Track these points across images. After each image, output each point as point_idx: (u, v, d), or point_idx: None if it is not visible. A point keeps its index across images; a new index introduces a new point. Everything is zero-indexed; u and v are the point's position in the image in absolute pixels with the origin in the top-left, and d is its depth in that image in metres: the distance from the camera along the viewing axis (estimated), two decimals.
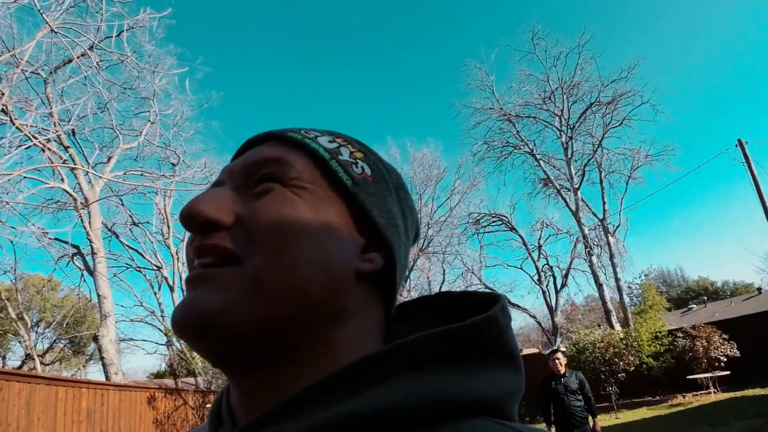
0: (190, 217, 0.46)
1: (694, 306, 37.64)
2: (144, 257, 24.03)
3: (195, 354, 20.88)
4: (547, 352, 6.36)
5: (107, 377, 14.53)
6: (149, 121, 18.21)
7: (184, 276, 23.43)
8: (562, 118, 23.27)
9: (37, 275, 27.60)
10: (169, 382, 27.76)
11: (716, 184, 76.56)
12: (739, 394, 13.73)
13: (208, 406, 16.51)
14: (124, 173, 17.38)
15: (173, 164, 20.62)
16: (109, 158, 17.56)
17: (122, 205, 21.99)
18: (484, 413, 0.43)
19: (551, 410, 6.13)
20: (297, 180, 0.49)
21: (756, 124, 61.58)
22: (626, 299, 21.00)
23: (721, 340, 15.32)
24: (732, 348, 15.10)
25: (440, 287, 23.85)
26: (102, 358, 15.11)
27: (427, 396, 0.41)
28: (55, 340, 27.94)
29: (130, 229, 22.34)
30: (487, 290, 0.56)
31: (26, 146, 12.41)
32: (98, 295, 15.99)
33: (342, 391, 0.42)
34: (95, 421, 10.12)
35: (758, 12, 55.54)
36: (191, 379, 25.71)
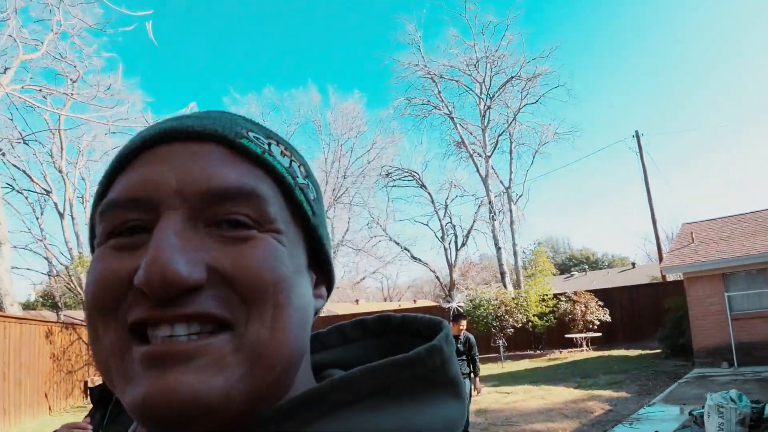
0: (165, 285, 0.36)
1: (576, 273, 41.34)
2: (32, 179, 22.17)
3: None
4: (453, 315, 6.90)
5: (1, 308, 13.66)
6: (52, 30, 16.54)
7: (74, 203, 22.02)
8: (483, 86, 24.09)
9: None
10: (47, 314, 26.33)
11: (612, 167, 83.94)
12: (606, 353, 15.61)
13: None
14: (22, 87, 15.77)
15: (72, 80, 18.80)
16: (6, 69, 15.75)
17: (11, 120, 19.99)
18: None
19: None
20: (275, 224, 0.42)
21: (654, 117, 67.83)
22: (520, 262, 22.76)
23: (597, 306, 17.24)
24: (605, 314, 17.06)
25: (344, 236, 24.19)
26: None
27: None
28: None
29: (12, 146, 20.32)
30: (426, 315, 0.52)
31: None
32: None
33: (276, 426, 0.39)
34: None
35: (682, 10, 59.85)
36: (73, 312, 24.56)
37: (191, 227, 0.39)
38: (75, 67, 18.21)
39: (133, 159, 0.43)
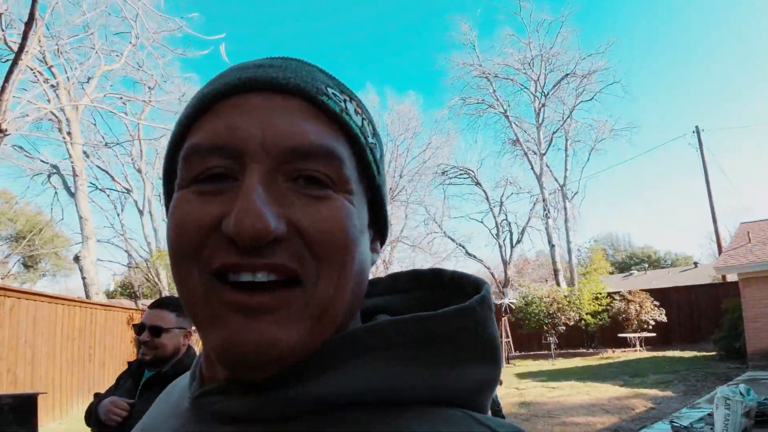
0: (256, 235, 0.38)
1: (635, 271, 40.22)
2: (113, 179, 24.06)
3: (163, 279, 21.43)
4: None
5: (87, 296, 15.06)
6: (130, 42, 17.96)
7: (152, 201, 23.78)
8: (538, 84, 24.09)
9: None
10: (126, 302, 28.34)
11: (672, 163, 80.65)
12: (660, 354, 15.52)
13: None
14: (104, 95, 17.28)
15: (149, 88, 20.33)
16: (89, 78, 17.20)
17: (95, 125, 21.83)
18: (452, 404, 0.43)
19: None
20: (349, 185, 0.43)
21: (715, 113, 64.81)
22: (574, 261, 22.76)
23: (652, 306, 17.10)
24: (661, 314, 16.89)
25: (401, 232, 24.81)
26: (84, 278, 15.65)
27: (391, 383, 0.41)
28: (7, 255, 27.63)
29: (95, 149, 22.16)
30: (473, 274, 0.53)
31: (7, 60, 12.33)
32: (80, 217, 16.28)
33: (311, 372, 0.41)
34: (85, 338, 10.86)
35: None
36: (150, 302, 26.33)
37: (273, 181, 0.40)
38: (152, 75, 19.69)
39: (215, 104, 0.43)
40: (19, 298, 8.15)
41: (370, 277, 0.51)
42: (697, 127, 21.78)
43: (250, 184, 0.39)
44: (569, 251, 22.65)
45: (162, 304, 2.31)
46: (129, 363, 2.39)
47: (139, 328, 2.24)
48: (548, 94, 23.95)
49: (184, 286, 0.42)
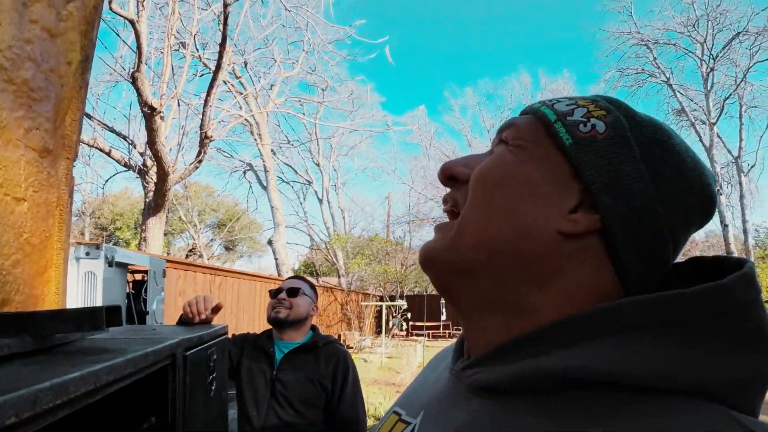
0: (441, 172, 0.54)
1: None
2: (296, 172, 27.19)
3: (340, 259, 23.91)
4: None
5: (279, 274, 17.42)
6: (303, 50, 20.20)
7: (329, 190, 26.57)
8: (705, 47, 21.76)
9: (196, 183, 31.00)
10: (309, 279, 31.13)
11: None
12: None
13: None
14: (285, 100, 19.77)
15: (322, 90, 22.25)
16: (272, 86, 19.34)
17: (278, 126, 24.91)
18: (707, 398, 0.38)
19: None
20: (518, 140, 0.51)
21: None
22: (751, 242, 20.48)
23: None
24: None
25: None
26: (276, 259, 18.44)
27: (622, 364, 0.39)
28: (212, 240, 31.71)
29: (279, 147, 25.12)
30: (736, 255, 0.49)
31: (201, 74, 14.75)
32: (272, 207, 19.12)
33: (537, 347, 0.43)
34: None
35: None
36: (331, 279, 29.23)
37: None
38: (324, 79, 21.92)
39: None
40: (225, 277, 9.39)
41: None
42: None
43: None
44: (745, 231, 20.22)
45: (296, 276, 2.43)
46: (261, 333, 2.32)
47: (276, 291, 2.31)
48: (717, 56, 21.42)
49: None
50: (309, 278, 2.67)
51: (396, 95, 61.94)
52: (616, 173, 0.46)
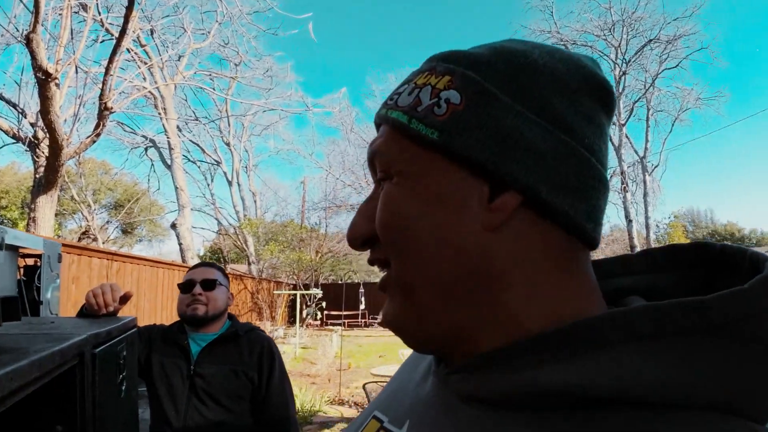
0: (350, 243, 0.48)
1: None
2: (204, 151, 25.85)
3: (250, 245, 22.99)
4: None
5: (184, 261, 16.35)
6: (217, 21, 18.91)
7: (240, 172, 25.45)
8: (619, 51, 23.01)
9: (92, 159, 29.06)
10: None
11: (763, 135, 74.34)
12: None
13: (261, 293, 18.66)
14: (194, 73, 18.37)
15: (235, 64, 21.19)
16: (180, 57, 18.17)
17: (186, 101, 23.36)
18: (732, 412, 0.34)
19: None
20: (392, 167, 0.45)
21: None
22: (652, 237, 22.03)
23: None
24: None
25: None
26: (180, 244, 17.07)
27: (632, 379, 0.35)
28: (107, 222, 29.87)
29: (186, 123, 23.63)
30: (751, 248, 0.43)
31: (102, 40, 13.41)
32: (176, 188, 17.58)
33: (535, 356, 0.38)
34: None
35: None
36: (240, 266, 28.27)
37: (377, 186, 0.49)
38: (237, 53, 20.60)
39: None
40: (124, 262, 8.89)
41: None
42: None
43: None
44: (647, 227, 21.85)
45: (206, 264, 2.21)
46: (170, 326, 2.15)
47: (187, 285, 2.09)
48: (630, 61, 22.72)
49: None
50: (218, 264, 2.35)
51: (316, 76, 60.54)
52: (500, 135, 0.41)
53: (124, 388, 1.05)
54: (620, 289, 0.51)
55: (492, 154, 0.41)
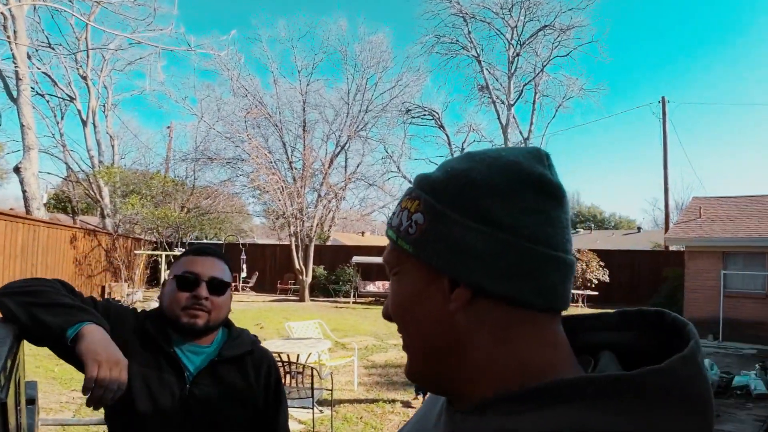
0: (384, 318, 0.66)
1: (581, 230, 41.62)
2: (56, 84, 22.27)
3: (105, 196, 20.48)
4: None
5: (28, 212, 14.12)
6: None
7: (97, 111, 22.27)
8: (515, 32, 23.43)
9: None
10: (62, 217, 26.96)
11: (633, 130, 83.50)
12: (599, 311, 16.11)
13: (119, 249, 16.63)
14: None
15: None
16: None
17: (38, 23, 19.87)
18: None
19: None
20: (393, 269, 0.63)
21: (680, 85, 66.45)
22: None
23: (598, 266, 17.70)
24: (604, 274, 17.55)
25: (356, 168, 24.22)
26: (24, 192, 14.54)
27: (584, 426, 0.46)
28: None
29: (37, 51, 20.18)
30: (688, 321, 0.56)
31: None
32: (22, 125, 14.92)
33: (511, 407, 0.51)
34: (27, 257, 10.17)
35: None
36: (90, 218, 25.26)
37: None
38: None
39: None
40: None
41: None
42: (663, 97, 22.26)
43: None
44: None
45: (212, 251, 1.64)
46: (143, 321, 1.58)
47: (188, 281, 1.55)
48: (524, 43, 23.37)
49: None
50: (224, 254, 1.66)
51: (196, 12, 54.67)
52: (450, 245, 0.55)
53: None
54: (598, 344, 0.61)
55: (445, 261, 0.55)
